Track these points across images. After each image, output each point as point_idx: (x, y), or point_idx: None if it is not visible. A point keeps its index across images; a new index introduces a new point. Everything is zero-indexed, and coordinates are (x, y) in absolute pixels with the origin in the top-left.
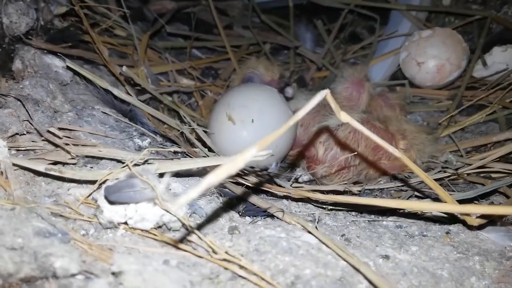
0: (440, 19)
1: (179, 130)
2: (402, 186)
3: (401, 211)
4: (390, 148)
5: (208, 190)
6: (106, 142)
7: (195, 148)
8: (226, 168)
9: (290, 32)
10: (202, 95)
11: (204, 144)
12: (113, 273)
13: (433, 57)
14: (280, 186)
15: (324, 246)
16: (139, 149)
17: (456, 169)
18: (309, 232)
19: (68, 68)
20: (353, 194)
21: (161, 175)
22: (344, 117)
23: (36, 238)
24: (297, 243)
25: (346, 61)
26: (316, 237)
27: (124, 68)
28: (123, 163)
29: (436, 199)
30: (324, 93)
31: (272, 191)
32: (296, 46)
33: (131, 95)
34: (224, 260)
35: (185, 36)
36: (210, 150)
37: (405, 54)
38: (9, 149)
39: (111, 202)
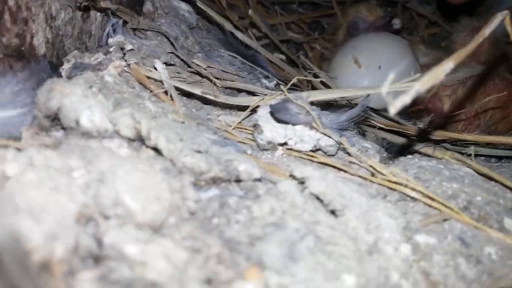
0: None
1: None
2: None
3: None
4: None
5: (350, 124)
6: (238, 80)
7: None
8: (430, 77)
9: None
10: (311, 48)
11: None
12: (295, 178)
13: None
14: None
15: (486, 179)
16: (267, 88)
17: None
18: (468, 166)
19: (193, 12)
20: None
21: (311, 103)
22: None
23: (214, 146)
24: (460, 173)
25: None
26: (477, 171)
27: (250, 11)
28: (260, 96)
29: None
30: (504, 14)
31: (409, 132)
32: (406, 1)
33: (253, 39)
34: (390, 181)
35: None
36: None
37: None
38: None
39: (277, 120)
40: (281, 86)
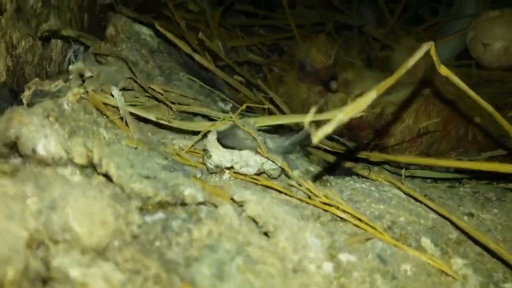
0: None
1: (253, 100)
2: (475, 158)
3: (477, 177)
4: (484, 103)
5: (295, 148)
6: (195, 103)
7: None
8: (353, 107)
9: (353, 11)
10: (269, 70)
11: (280, 110)
12: (235, 201)
13: (499, 38)
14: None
15: (412, 200)
16: (223, 112)
17: None
18: (397, 188)
19: (154, 36)
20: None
21: (259, 130)
22: (444, 71)
23: (163, 171)
24: (388, 195)
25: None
26: (405, 192)
27: (200, 34)
28: (215, 120)
29: None
30: (429, 45)
31: (348, 154)
32: (361, 25)
33: (211, 62)
34: (324, 203)
35: (249, 14)
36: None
37: (472, 35)
38: None
39: (223, 145)
40: (230, 113)
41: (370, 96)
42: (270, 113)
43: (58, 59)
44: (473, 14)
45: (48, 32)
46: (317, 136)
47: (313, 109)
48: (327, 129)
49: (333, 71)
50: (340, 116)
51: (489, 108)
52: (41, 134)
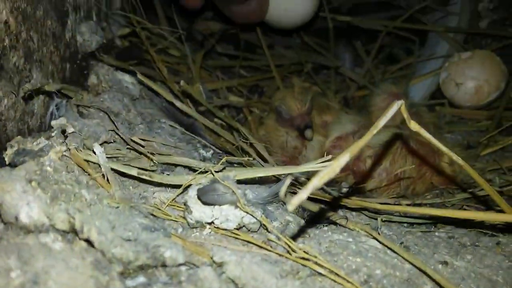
0: (477, 41)
1: (234, 144)
2: (449, 200)
3: (452, 221)
4: (454, 157)
5: (275, 198)
6: (176, 152)
7: (252, 159)
8: (327, 173)
9: (330, 52)
10: (250, 111)
11: (260, 156)
12: (215, 262)
13: (471, 78)
14: (332, 195)
15: (389, 251)
16: (204, 159)
17: (500, 187)
18: (374, 238)
19: (136, 83)
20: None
21: (239, 181)
22: (413, 126)
23: (144, 232)
24: (364, 247)
25: (385, 80)
26: (381, 242)
27: (182, 82)
28: (195, 170)
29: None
30: (399, 104)
31: (327, 200)
32: (337, 66)
33: (192, 109)
34: (302, 258)
35: (230, 56)
36: (265, 161)
37: (445, 75)
38: None
39: (204, 203)
40: (210, 166)
41: (343, 159)
42: (251, 159)
43: (40, 112)
44: (446, 55)
45: (32, 91)
46: (292, 204)
47: (287, 180)
48: (302, 195)
49: (309, 120)
50: (315, 182)
51: (460, 161)
52: (23, 202)
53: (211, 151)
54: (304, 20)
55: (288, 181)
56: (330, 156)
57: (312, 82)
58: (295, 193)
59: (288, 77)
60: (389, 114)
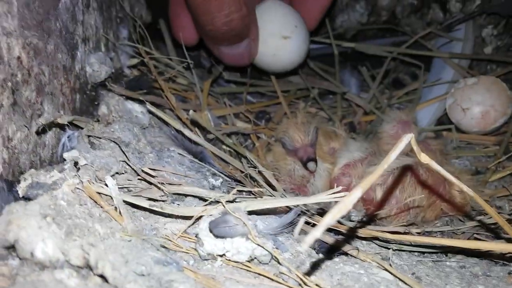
0: (482, 67)
1: (242, 172)
2: (459, 228)
3: (464, 251)
4: (465, 188)
5: (285, 229)
6: (186, 182)
7: (261, 188)
8: (339, 210)
9: (336, 78)
10: (257, 137)
11: (269, 184)
12: None
13: (477, 103)
14: (343, 224)
15: (400, 282)
16: (213, 188)
17: (510, 214)
18: (386, 270)
19: (146, 112)
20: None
21: (249, 212)
22: (424, 158)
23: (157, 266)
24: (376, 279)
25: (391, 106)
26: (393, 274)
27: (191, 112)
28: (205, 200)
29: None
30: (409, 138)
31: (338, 229)
32: (344, 92)
33: (200, 137)
34: None
35: (237, 82)
36: (273, 189)
37: (451, 100)
38: None
39: (216, 236)
40: (221, 197)
41: (356, 194)
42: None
43: (52, 143)
44: (450, 80)
45: (44, 126)
46: (306, 243)
47: (301, 220)
48: (316, 234)
49: (312, 152)
50: (327, 219)
51: (470, 192)
52: (39, 238)
53: (220, 180)
54: (294, 65)
55: (302, 221)
56: (340, 188)
57: (318, 108)
58: (306, 223)
59: (295, 103)
60: (400, 148)
